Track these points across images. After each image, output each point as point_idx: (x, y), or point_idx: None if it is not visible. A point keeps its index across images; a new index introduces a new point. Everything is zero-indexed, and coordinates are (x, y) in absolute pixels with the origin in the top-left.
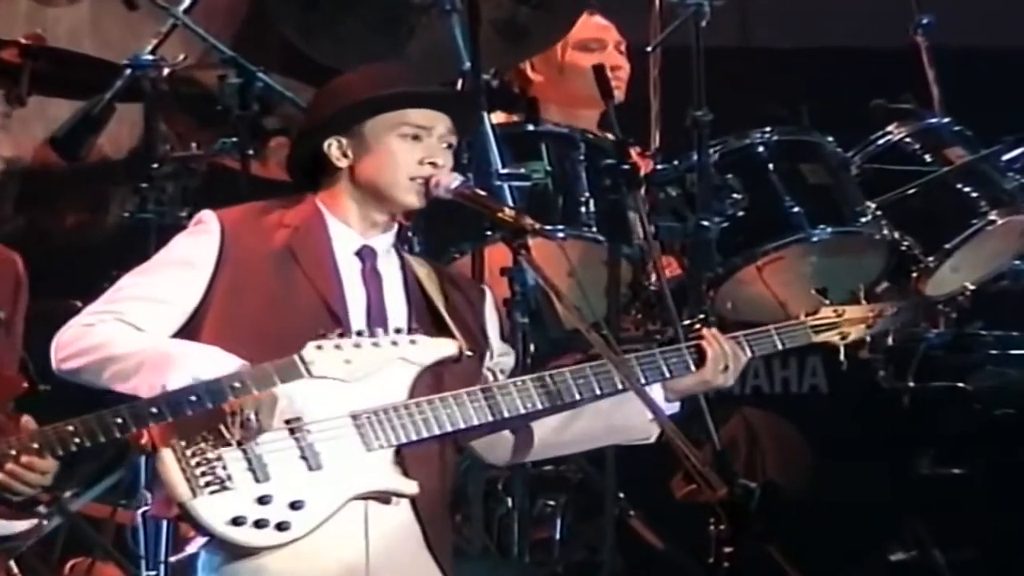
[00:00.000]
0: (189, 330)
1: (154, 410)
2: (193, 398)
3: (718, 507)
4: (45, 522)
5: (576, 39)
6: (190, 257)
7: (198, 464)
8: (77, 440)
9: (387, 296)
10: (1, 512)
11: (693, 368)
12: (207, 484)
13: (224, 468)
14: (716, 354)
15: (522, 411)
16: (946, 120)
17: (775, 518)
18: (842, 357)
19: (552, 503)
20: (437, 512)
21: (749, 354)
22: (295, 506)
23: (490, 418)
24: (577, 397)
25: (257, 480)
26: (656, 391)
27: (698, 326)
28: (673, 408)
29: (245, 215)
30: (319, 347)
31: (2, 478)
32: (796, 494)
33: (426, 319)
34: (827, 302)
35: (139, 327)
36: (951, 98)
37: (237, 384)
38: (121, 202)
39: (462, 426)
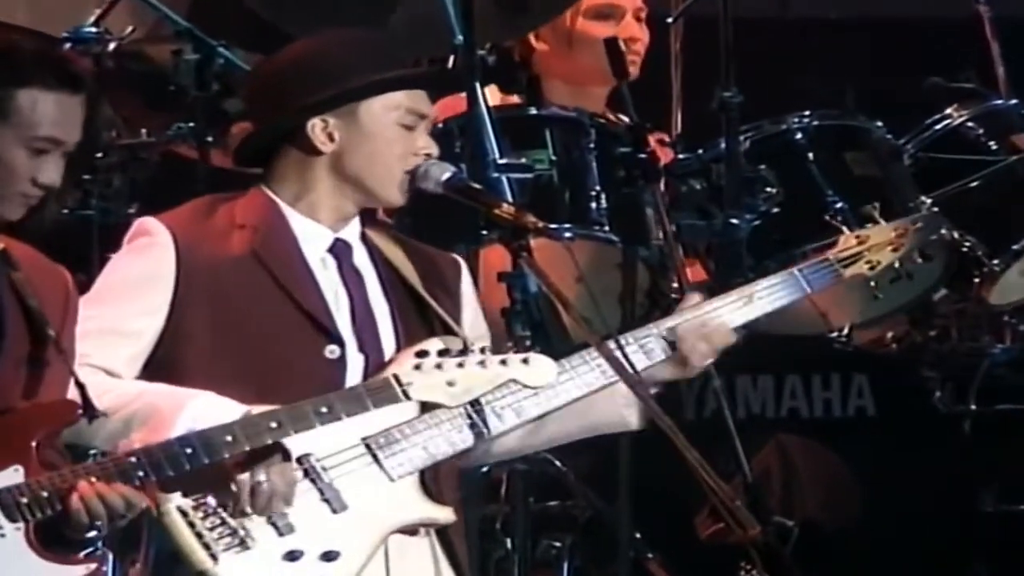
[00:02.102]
0: (157, 367)
1: (189, 450)
2: (188, 451)
3: (750, 549)
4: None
5: (589, 5)
6: (144, 277)
7: (212, 526)
8: (141, 473)
9: (370, 294)
10: (53, 557)
11: (666, 354)
12: (225, 546)
13: (242, 526)
14: (689, 339)
15: (519, 421)
16: (1013, 102)
17: (815, 562)
18: (874, 285)
19: (558, 544)
20: (458, 528)
21: (739, 319)
22: (329, 557)
23: (516, 421)
24: (597, 386)
25: (280, 534)
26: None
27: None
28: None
29: (192, 216)
30: (417, 366)
31: (75, 504)
32: (839, 534)
33: (412, 316)
34: (844, 229)
35: (112, 371)
36: (1018, 77)
37: (324, 409)
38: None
39: (485, 435)
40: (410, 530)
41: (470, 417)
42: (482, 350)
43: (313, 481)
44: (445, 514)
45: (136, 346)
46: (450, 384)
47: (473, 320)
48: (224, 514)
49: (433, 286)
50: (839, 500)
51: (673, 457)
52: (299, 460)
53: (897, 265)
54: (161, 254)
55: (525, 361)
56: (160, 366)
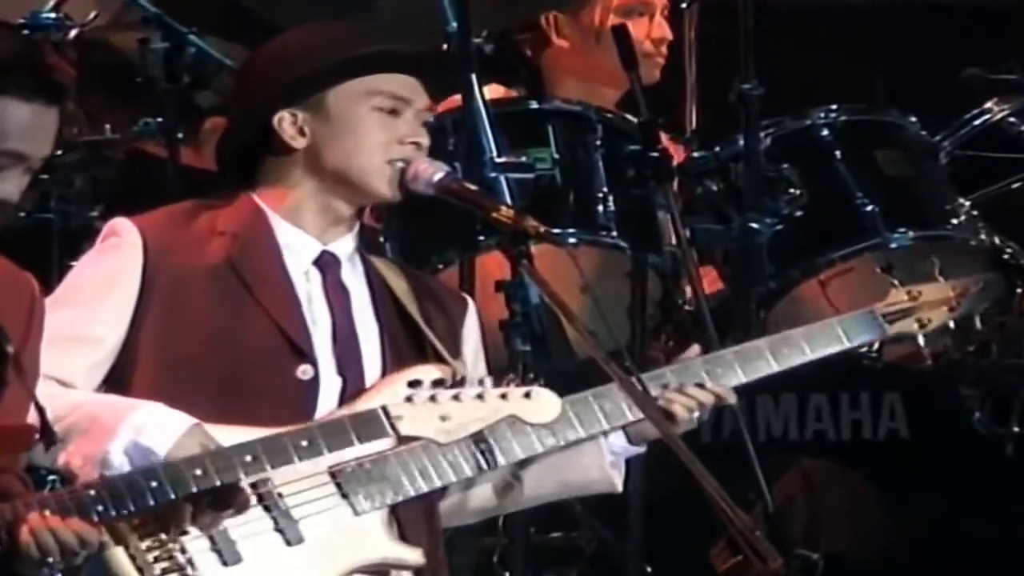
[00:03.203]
0: (117, 380)
1: (154, 484)
2: (154, 485)
3: None
4: None
5: (620, 2)
6: (109, 281)
7: (150, 549)
8: (100, 508)
9: (356, 314)
10: None
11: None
12: (163, 572)
13: (183, 552)
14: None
15: (521, 456)
16: None
17: None
18: (922, 342)
19: None
20: (440, 569)
21: (742, 378)
22: None
23: (502, 462)
24: (581, 434)
25: (225, 563)
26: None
27: None
28: (637, 450)
29: (169, 221)
30: (409, 398)
31: (25, 538)
32: (868, 567)
33: (402, 341)
34: (896, 283)
35: (66, 380)
36: None
37: (304, 443)
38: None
39: (468, 475)
40: (377, 571)
41: (470, 446)
42: (480, 381)
43: (268, 508)
44: (414, 556)
45: (95, 354)
46: (444, 419)
47: (473, 363)
48: (164, 537)
49: (433, 319)
50: (868, 531)
51: (687, 484)
52: (254, 485)
53: (951, 326)
54: (127, 256)
55: (527, 395)
56: (120, 378)
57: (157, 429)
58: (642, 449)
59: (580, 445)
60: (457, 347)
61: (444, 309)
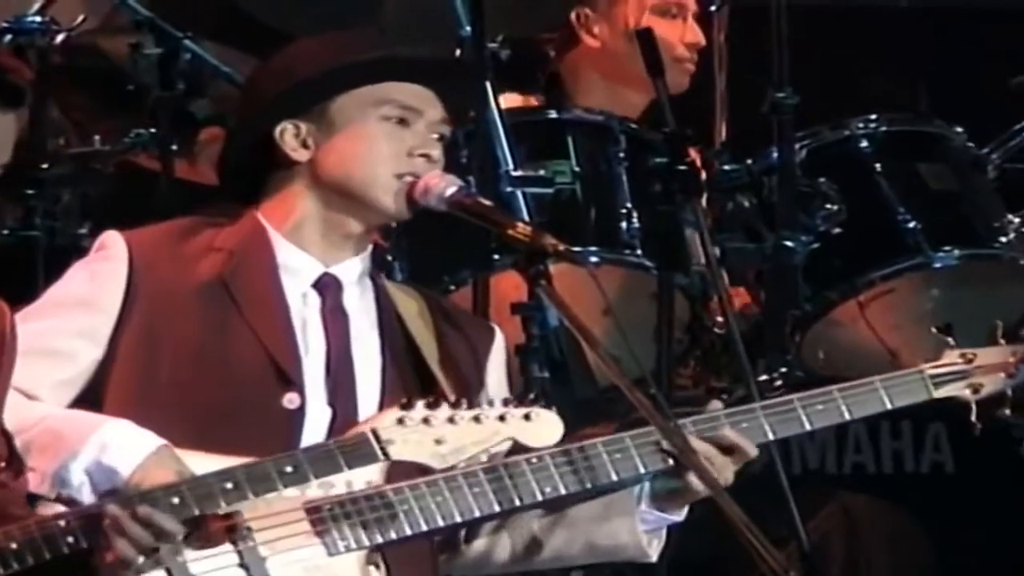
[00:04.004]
0: (90, 396)
1: (175, 501)
2: (176, 500)
3: None
4: None
5: (656, 2)
6: (89, 295)
7: None
8: (71, 539)
9: (355, 342)
10: None
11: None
12: None
13: None
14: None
15: (539, 498)
16: None
17: None
18: (974, 418)
19: None
20: None
21: (770, 435)
22: None
23: (495, 508)
24: (614, 478)
25: None
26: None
27: (778, 383)
28: (673, 518)
29: (162, 237)
30: (400, 420)
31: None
32: None
33: (407, 374)
34: (952, 343)
35: (32, 393)
36: None
37: (289, 468)
38: None
39: (458, 520)
40: None
41: (478, 485)
42: (478, 403)
43: (235, 543)
44: None
45: (66, 370)
46: (438, 442)
47: (496, 396)
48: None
49: (450, 350)
50: (910, 570)
51: (718, 520)
52: (225, 516)
53: (1008, 393)
54: (111, 270)
55: (527, 417)
56: (94, 398)
57: (122, 448)
58: (679, 518)
59: (611, 506)
60: (480, 379)
61: (465, 338)
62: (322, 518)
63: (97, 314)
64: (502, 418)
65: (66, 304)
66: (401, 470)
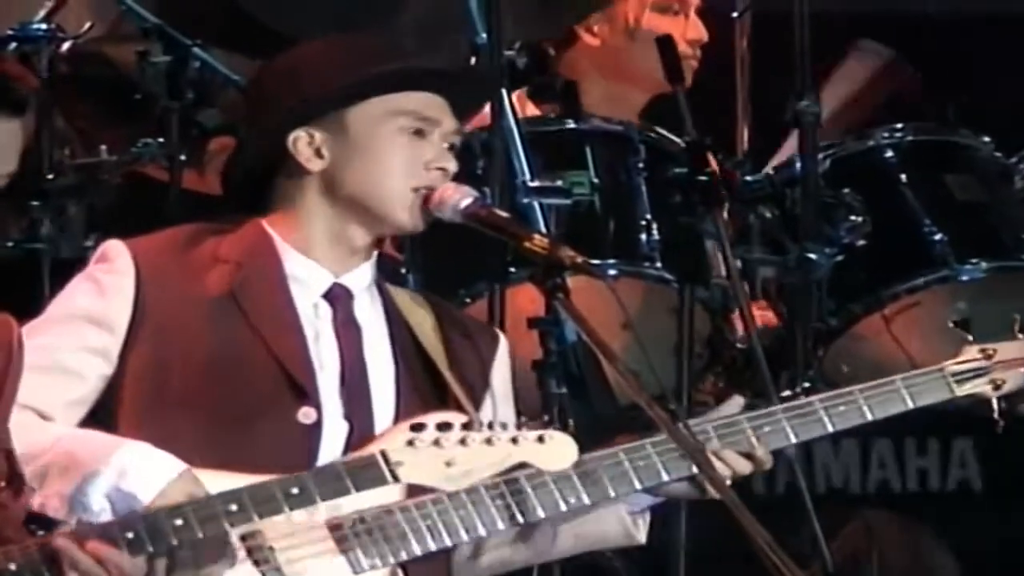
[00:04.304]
0: (101, 417)
1: (130, 535)
2: (130, 536)
3: None
4: None
5: None
6: (97, 311)
7: None
8: None
9: (368, 353)
10: None
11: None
12: None
13: None
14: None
15: (562, 509)
16: None
17: None
18: (996, 415)
19: None
20: None
21: (791, 439)
22: None
23: (520, 521)
24: (637, 487)
25: None
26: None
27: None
28: (656, 500)
29: (166, 246)
30: (411, 442)
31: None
32: None
33: (421, 384)
34: (971, 339)
35: (45, 413)
36: None
37: (295, 490)
38: (2, 227)
39: (481, 533)
40: None
41: (500, 498)
42: (490, 425)
43: (257, 563)
44: None
45: (78, 388)
46: (449, 465)
47: (502, 403)
48: None
49: (460, 357)
50: None
51: (739, 539)
52: (243, 538)
53: None
54: (118, 284)
55: (540, 439)
56: (106, 415)
57: (142, 473)
58: (660, 499)
59: None
60: (485, 383)
61: (473, 344)
62: (345, 536)
63: (106, 330)
64: (515, 440)
65: (74, 319)
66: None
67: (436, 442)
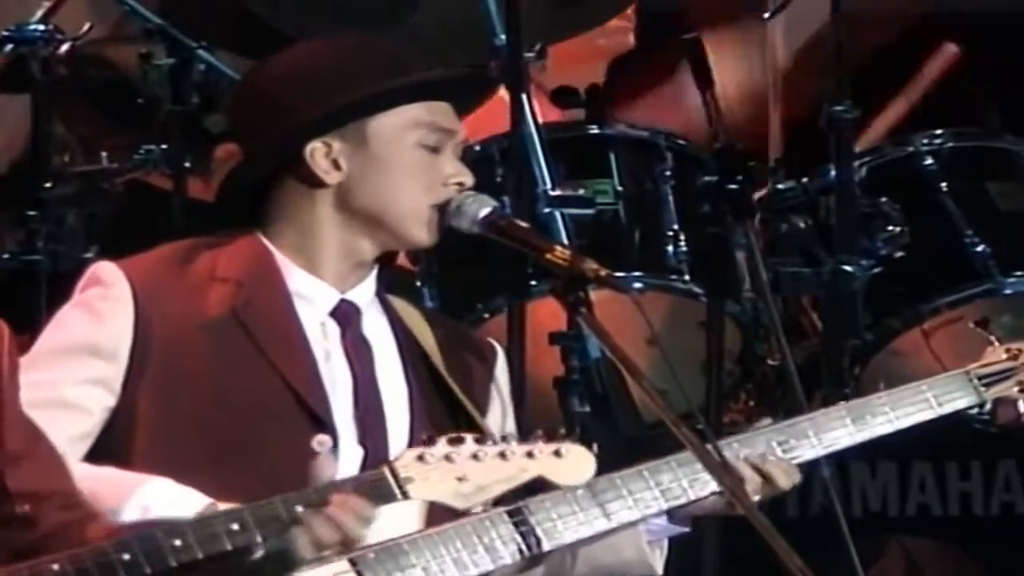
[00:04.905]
0: (107, 450)
1: (126, 557)
2: (126, 559)
3: None
4: None
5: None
6: (96, 341)
7: None
8: None
9: (380, 372)
10: None
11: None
12: None
13: None
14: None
15: (568, 541)
16: None
17: None
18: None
19: None
20: None
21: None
22: None
23: (527, 552)
24: (635, 515)
25: None
26: None
27: None
28: (679, 529)
29: (161, 265)
30: (421, 457)
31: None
32: None
33: (434, 404)
34: (993, 340)
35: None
36: None
37: (300, 508)
38: None
39: (506, 562)
40: None
41: (519, 526)
42: (504, 439)
43: None
44: None
45: (82, 423)
46: (460, 480)
47: (502, 417)
48: None
49: (467, 376)
50: None
51: (771, 566)
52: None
53: None
54: (116, 311)
55: (557, 453)
56: (110, 449)
57: (166, 509)
58: (685, 528)
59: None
60: (491, 400)
61: (475, 358)
62: (367, 566)
63: (107, 360)
64: (530, 454)
65: (72, 351)
66: (442, 509)
67: (447, 457)
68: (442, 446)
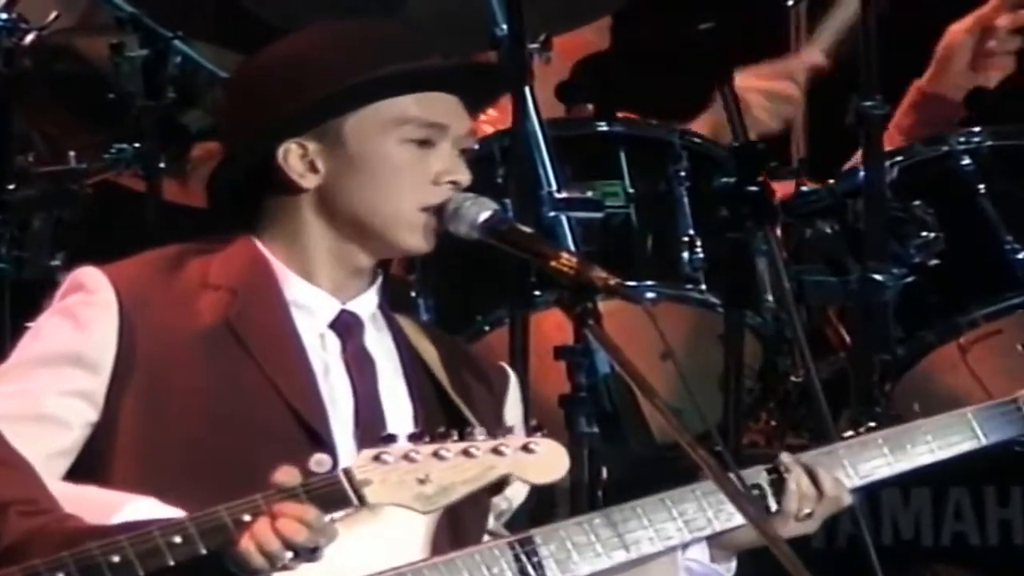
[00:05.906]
0: (88, 468)
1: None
2: (116, 559)
3: None
4: None
5: None
6: (78, 350)
7: None
8: None
9: (383, 389)
10: None
11: (771, 507)
12: None
13: None
14: (799, 494)
15: (586, 574)
16: None
17: None
18: None
19: None
20: None
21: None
22: None
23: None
24: (657, 546)
25: None
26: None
27: None
28: (720, 570)
29: (148, 271)
30: (378, 457)
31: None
32: None
33: (437, 416)
34: None
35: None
36: None
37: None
38: None
39: None
40: None
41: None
42: (468, 433)
43: None
44: None
45: (63, 438)
46: (422, 482)
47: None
48: None
49: (472, 397)
50: None
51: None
52: None
53: None
54: (99, 318)
55: (527, 448)
56: (90, 467)
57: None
58: (730, 566)
59: (651, 557)
60: (501, 424)
61: (485, 383)
62: None
63: (90, 371)
64: (497, 451)
65: (52, 361)
66: (442, 527)
67: (407, 456)
68: (402, 444)
